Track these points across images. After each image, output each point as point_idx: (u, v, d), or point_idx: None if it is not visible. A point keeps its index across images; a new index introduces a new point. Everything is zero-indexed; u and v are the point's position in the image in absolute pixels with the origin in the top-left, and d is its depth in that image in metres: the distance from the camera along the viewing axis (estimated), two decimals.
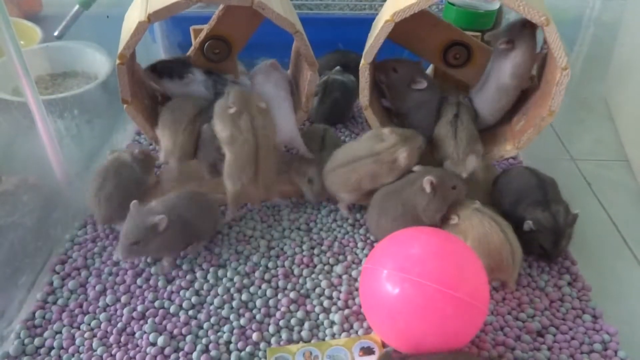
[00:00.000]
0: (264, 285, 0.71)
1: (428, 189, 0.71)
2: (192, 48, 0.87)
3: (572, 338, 0.66)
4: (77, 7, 1.17)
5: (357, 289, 0.70)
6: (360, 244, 0.78)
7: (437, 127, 0.82)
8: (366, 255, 0.75)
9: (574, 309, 0.70)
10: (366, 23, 0.84)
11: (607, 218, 0.85)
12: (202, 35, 0.85)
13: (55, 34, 1.17)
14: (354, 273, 0.73)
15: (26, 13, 1.29)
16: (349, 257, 0.76)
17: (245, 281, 0.72)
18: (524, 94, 0.83)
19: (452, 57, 0.87)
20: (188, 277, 0.72)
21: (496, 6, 1.13)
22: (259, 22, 0.84)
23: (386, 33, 0.72)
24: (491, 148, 0.83)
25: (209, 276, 0.72)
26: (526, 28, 0.77)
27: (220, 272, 0.73)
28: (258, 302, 0.69)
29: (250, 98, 0.76)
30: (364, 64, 0.76)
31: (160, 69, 0.82)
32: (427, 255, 0.58)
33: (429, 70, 0.96)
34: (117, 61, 0.71)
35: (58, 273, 0.73)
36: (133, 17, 0.71)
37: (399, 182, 0.75)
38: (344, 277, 0.73)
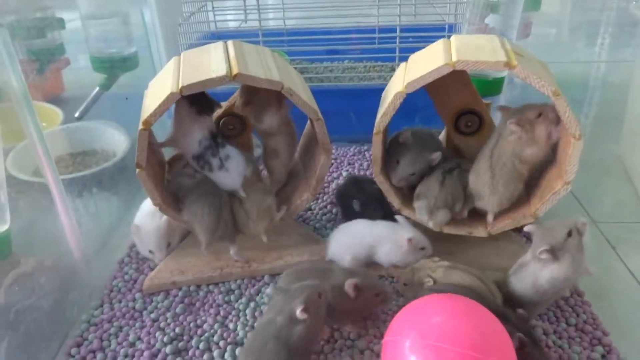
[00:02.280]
0: None
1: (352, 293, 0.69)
2: None
3: None
4: (97, 88, 1.23)
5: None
6: (382, 316, 0.76)
7: (430, 174, 0.82)
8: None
9: None
10: (376, 93, 0.85)
11: (636, 283, 0.83)
12: (219, 112, 0.88)
13: (76, 115, 1.22)
14: (376, 348, 0.71)
15: (48, 96, 1.34)
16: (371, 331, 0.73)
17: None
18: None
19: (464, 124, 0.87)
20: (205, 356, 0.70)
21: (504, 73, 1.16)
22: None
23: (398, 103, 0.74)
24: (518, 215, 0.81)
25: (227, 355, 0.70)
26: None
27: (237, 351, 0.71)
28: None
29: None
30: (377, 132, 0.77)
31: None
32: (447, 319, 0.57)
33: (442, 135, 0.96)
34: (141, 127, 0.72)
35: (73, 356, 0.71)
36: (163, 87, 0.72)
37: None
38: (366, 352, 0.70)
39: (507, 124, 0.75)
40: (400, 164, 0.81)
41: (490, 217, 0.81)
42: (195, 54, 0.78)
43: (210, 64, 0.72)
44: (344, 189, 0.95)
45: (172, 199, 0.82)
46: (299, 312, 0.61)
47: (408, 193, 0.86)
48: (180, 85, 0.69)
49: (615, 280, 0.82)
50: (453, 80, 0.82)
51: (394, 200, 0.82)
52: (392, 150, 0.84)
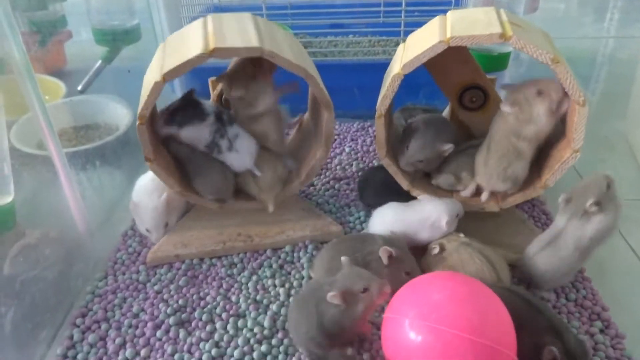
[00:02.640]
0: (284, 336, 0.70)
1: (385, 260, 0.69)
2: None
3: None
4: (99, 61, 1.22)
5: (379, 338, 0.68)
6: None
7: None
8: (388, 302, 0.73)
9: (608, 359, 0.67)
10: (381, 68, 0.84)
11: (637, 260, 0.83)
12: (218, 88, 0.87)
13: (79, 88, 1.21)
14: (377, 320, 0.71)
15: (51, 69, 1.33)
16: None
17: (266, 332, 0.70)
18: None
19: (468, 99, 0.87)
20: (208, 328, 0.71)
21: (510, 48, 1.15)
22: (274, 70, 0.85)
23: (396, 86, 0.73)
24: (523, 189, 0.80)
25: (229, 326, 0.71)
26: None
27: (240, 323, 0.72)
28: (279, 355, 0.68)
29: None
30: (379, 116, 0.76)
31: (179, 119, 0.79)
32: (447, 300, 0.57)
33: (446, 112, 0.96)
34: (137, 121, 0.72)
35: (78, 326, 0.73)
36: (150, 78, 0.72)
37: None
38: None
39: (500, 106, 0.75)
40: (409, 149, 0.80)
41: (483, 195, 0.80)
42: (176, 36, 0.77)
43: (189, 43, 0.71)
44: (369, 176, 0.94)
45: (167, 159, 0.81)
46: (329, 296, 0.61)
47: (417, 176, 0.85)
48: (162, 73, 0.68)
49: (616, 257, 0.83)
50: (452, 57, 0.80)
51: (402, 182, 0.82)
52: (404, 135, 0.83)
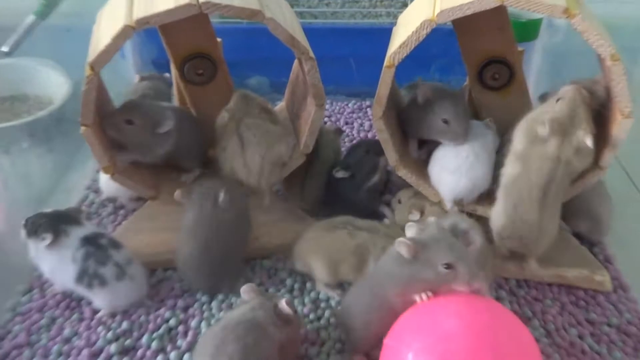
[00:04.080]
0: None
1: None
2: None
3: None
4: (32, 17, 1.19)
5: None
6: None
7: None
8: None
9: None
10: (383, 34, 0.83)
11: None
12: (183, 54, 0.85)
13: (4, 49, 1.19)
14: (374, 352, 0.69)
15: None
16: None
17: None
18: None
19: (490, 76, 0.86)
20: (159, 358, 0.69)
21: (541, 15, 1.13)
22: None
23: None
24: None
25: (186, 357, 0.69)
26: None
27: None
28: None
29: None
30: (390, 65, 0.75)
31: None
32: (461, 330, 0.56)
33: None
34: (88, 71, 0.70)
35: None
36: (116, 17, 0.70)
37: None
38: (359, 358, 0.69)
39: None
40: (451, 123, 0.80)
41: None
42: None
43: None
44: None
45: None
46: (397, 241, 0.62)
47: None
48: (134, 18, 0.67)
49: None
50: (488, 20, 0.79)
51: (390, 155, 0.81)
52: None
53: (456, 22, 0.77)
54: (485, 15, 0.69)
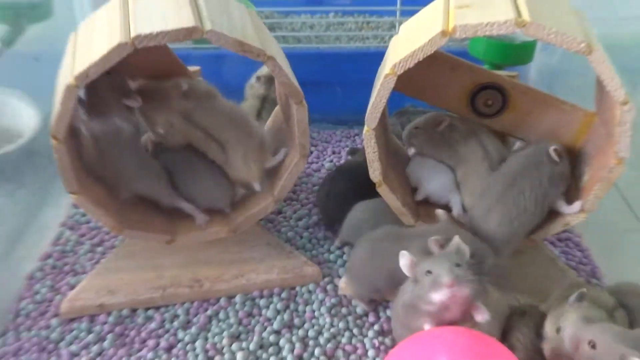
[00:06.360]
0: None
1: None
2: None
3: None
4: None
5: None
6: (371, 352, 0.79)
7: None
8: None
9: None
10: (371, 58, 0.86)
11: None
12: None
13: None
14: None
15: None
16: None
17: None
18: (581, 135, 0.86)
19: (482, 104, 0.90)
20: None
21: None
22: None
23: (388, 90, 0.75)
24: (551, 218, 0.83)
25: None
26: None
27: None
28: None
29: None
30: (368, 130, 0.78)
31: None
32: None
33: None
34: (70, 81, 0.70)
35: None
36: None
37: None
38: None
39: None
40: None
41: None
42: (89, 21, 0.78)
43: (104, 30, 0.72)
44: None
45: (97, 185, 0.83)
46: (401, 254, 0.68)
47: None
48: (132, 35, 0.68)
49: None
50: (435, 70, 0.85)
51: (375, 170, 0.81)
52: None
53: (412, 91, 0.86)
54: (431, 68, 0.75)
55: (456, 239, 0.70)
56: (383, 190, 0.82)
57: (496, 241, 0.78)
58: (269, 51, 0.73)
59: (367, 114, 0.78)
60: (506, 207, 0.78)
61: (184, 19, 0.70)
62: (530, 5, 0.71)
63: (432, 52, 0.71)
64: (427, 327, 0.65)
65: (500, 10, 0.70)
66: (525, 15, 0.69)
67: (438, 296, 0.63)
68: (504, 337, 0.72)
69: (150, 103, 0.83)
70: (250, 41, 0.72)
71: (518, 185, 0.79)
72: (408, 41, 0.75)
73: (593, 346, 0.62)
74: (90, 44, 0.73)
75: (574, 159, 0.85)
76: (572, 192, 0.83)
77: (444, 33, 0.70)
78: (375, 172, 0.81)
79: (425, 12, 0.80)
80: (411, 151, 0.92)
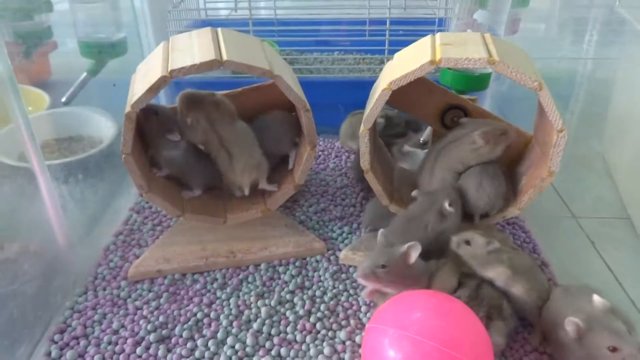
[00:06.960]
0: (265, 354, 0.70)
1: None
2: None
3: None
4: (84, 74, 1.21)
5: (360, 356, 0.68)
6: (364, 308, 0.77)
7: None
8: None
9: None
10: (365, 85, 0.85)
11: (612, 277, 0.84)
12: None
13: (63, 99, 1.20)
14: (357, 339, 0.72)
15: (35, 80, 1.32)
16: (352, 322, 0.75)
17: (248, 349, 0.70)
18: (522, 152, 0.84)
19: (449, 119, 0.88)
20: (188, 345, 0.71)
21: (490, 70, 1.16)
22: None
23: (384, 100, 0.74)
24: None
25: (210, 343, 0.71)
26: None
27: (221, 340, 0.71)
28: None
29: None
30: (364, 130, 0.77)
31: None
32: (428, 314, 0.59)
33: (428, 132, 0.97)
34: (128, 109, 0.71)
35: (56, 342, 0.71)
36: (153, 70, 0.72)
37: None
38: (348, 343, 0.71)
39: (472, 134, 0.79)
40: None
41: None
42: (184, 38, 0.77)
43: (201, 48, 0.72)
44: None
45: (160, 183, 0.81)
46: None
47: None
48: (170, 69, 0.69)
49: (593, 275, 0.84)
50: (417, 90, 0.83)
51: (365, 161, 0.79)
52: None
53: (399, 104, 0.84)
54: (415, 89, 0.73)
55: None
56: (369, 176, 0.80)
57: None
58: (276, 71, 0.72)
59: (364, 118, 0.77)
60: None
61: (206, 55, 0.70)
62: (497, 48, 0.71)
63: (421, 75, 0.70)
64: None
65: (476, 49, 0.70)
66: (495, 55, 0.68)
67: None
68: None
69: (191, 101, 0.80)
70: (258, 65, 0.71)
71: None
72: (401, 66, 0.75)
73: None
74: (143, 78, 0.73)
75: (515, 167, 0.85)
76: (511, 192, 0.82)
77: (432, 62, 0.69)
78: (365, 162, 0.79)
79: (414, 47, 0.79)
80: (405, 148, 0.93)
